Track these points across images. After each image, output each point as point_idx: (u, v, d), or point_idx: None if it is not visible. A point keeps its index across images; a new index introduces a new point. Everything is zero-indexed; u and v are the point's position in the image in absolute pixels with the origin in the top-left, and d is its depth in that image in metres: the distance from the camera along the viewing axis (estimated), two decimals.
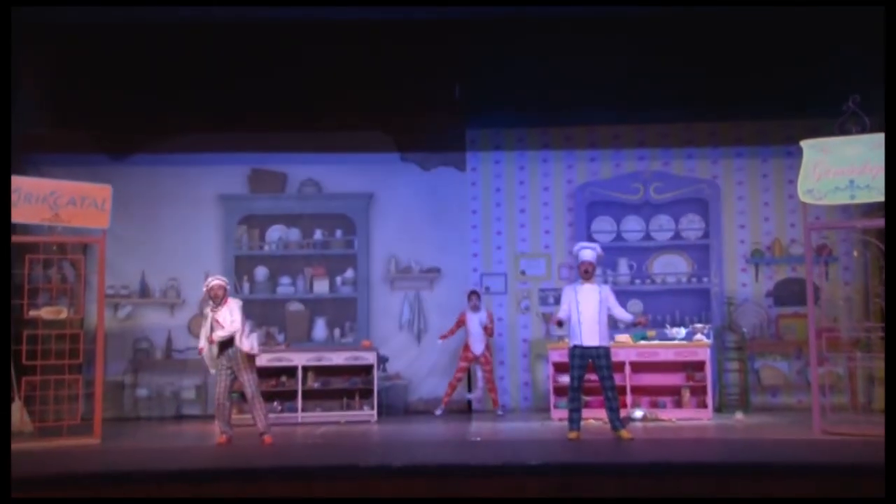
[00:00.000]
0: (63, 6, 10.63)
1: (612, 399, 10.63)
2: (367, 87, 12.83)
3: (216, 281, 10.79)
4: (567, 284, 11.20)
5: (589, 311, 10.63)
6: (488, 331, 13.60)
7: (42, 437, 10.80)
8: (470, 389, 14.16)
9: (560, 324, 10.88)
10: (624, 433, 10.54)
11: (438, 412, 13.60)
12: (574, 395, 10.72)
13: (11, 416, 11.23)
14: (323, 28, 11.50)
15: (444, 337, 13.87)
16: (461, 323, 13.70)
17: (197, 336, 14.05)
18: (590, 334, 10.60)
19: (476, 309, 13.60)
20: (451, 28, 11.42)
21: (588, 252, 10.92)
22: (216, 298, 10.71)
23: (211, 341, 10.62)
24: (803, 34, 11.48)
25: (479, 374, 13.83)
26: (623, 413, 12.26)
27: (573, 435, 10.61)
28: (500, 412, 13.59)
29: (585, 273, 10.83)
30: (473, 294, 13.70)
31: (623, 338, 13.02)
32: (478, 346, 13.56)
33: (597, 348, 10.60)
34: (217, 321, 10.61)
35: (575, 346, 10.69)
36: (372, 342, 13.65)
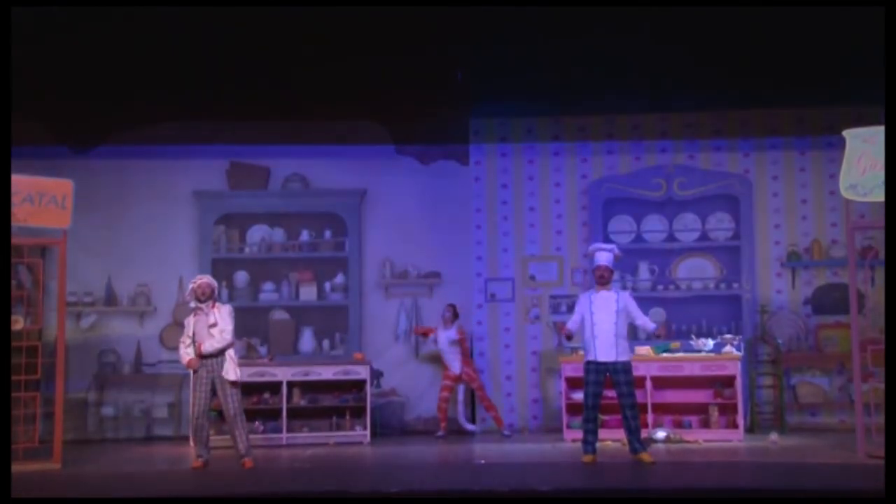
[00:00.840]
0: None
1: (632, 419, 10.55)
2: (358, 70, 12.82)
3: (204, 279, 10.79)
4: (582, 291, 11.10)
5: (605, 323, 10.55)
6: (462, 346, 13.67)
7: None
8: (474, 420, 14.09)
9: (570, 336, 10.80)
10: (645, 456, 10.45)
11: (440, 434, 13.54)
12: (589, 415, 10.64)
13: None
14: (312, 10, 11.44)
15: (418, 331, 14.20)
16: (427, 333, 13.84)
17: (170, 348, 14.11)
18: (605, 348, 10.52)
19: (448, 323, 13.59)
20: (454, 6, 11.35)
21: (603, 254, 10.85)
22: (203, 297, 10.63)
23: (200, 354, 10.54)
24: (846, 12, 11.40)
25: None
26: (644, 434, 12.22)
27: (588, 459, 10.54)
28: (506, 432, 13.55)
29: (601, 278, 10.75)
30: (449, 307, 13.76)
31: (644, 350, 12.98)
32: (455, 365, 13.59)
33: (614, 363, 10.51)
34: (208, 326, 10.56)
35: (589, 362, 10.62)
36: (365, 355, 13.65)
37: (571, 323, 10.79)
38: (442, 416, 13.66)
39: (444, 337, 13.61)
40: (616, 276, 14.40)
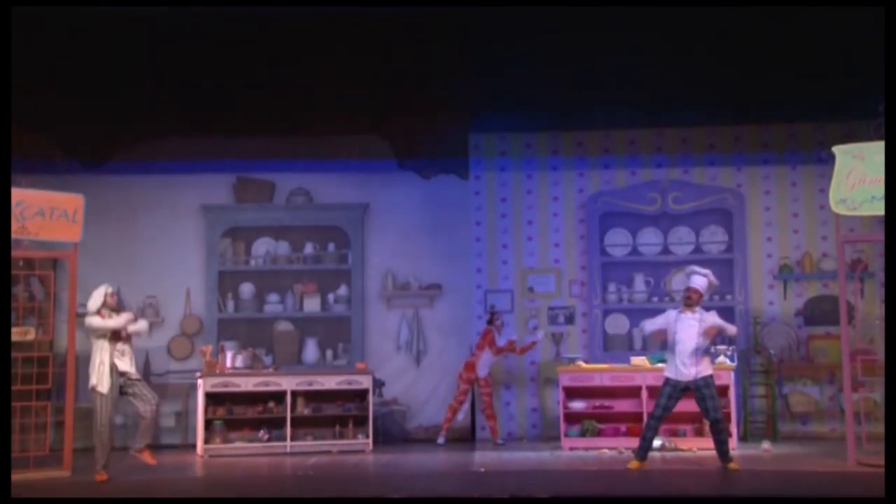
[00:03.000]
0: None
1: (716, 432, 10.58)
2: (361, 87, 12.88)
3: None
4: (671, 309, 11.08)
5: (686, 343, 10.56)
6: (512, 346, 13.68)
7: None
8: (473, 429, 14.11)
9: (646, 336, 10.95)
10: (732, 465, 10.51)
11: (440, 441, 13.56)
12: (651, 424, 10.73)
13: None
14: (314, 23, 11.49)
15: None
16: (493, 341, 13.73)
17: (178, 358, 14.18)
18: (685, 368, 10.55)
19: (500, 331, 13.66)
20: (453, 22, 11.40)
21: (697, 278, 10.79)
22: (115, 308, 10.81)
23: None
24: (836, 29, 11.45)
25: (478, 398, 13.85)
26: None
27: (634, 465, 10.60)
28: (500, 441, 13.53)
29: (688, 300, 10.73)
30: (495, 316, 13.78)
31: (639, 360, 12.98)
32: (483, 369, 13.52)
33: (695, 381, 10.55)
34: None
35: (668, 379, 10.69)
36: (367, 365, 13.61)
37: (650, 323, 10.95)
38: (451, 416, 13.60)
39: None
40: (612, 287, 14.55)
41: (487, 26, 11.55)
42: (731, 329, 10.90)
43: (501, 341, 13.59)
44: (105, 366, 10.46)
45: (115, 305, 10.74)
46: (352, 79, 12.62)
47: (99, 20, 11.10)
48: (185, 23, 11.26)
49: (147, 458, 10.64)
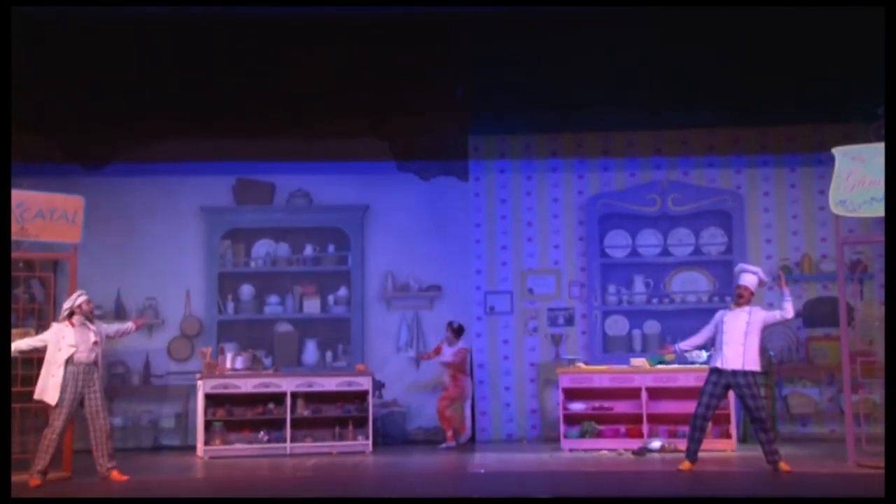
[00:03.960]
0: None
1: (761, 431, 10.45)
2: (361, 88, 12.86)
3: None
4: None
5: (734, 332, 10.47)
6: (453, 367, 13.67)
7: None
8: (473, 434, 14.07)
9: (672, 356, 11.11)
10: (782, 465, 10.36)
11: (445, 444, 13.50)
12: (696, 423, 10.60)
13: None
14: (312, 24, 11.49)
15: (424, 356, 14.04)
16: (437, 352, 13.75)
17: (178, 360, 14.16)
18: (732, 357, 10.42)
19: (452, 344, 13.62)
20: (452, 24, 11.40)
21: (749, 276, 10.73)
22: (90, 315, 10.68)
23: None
24: (835, 31, 11.44)
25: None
26: (639, 443, 12.25)
27: (685, 466, 10.53)
28: (443, 446, 13.43)
29: (739, 297, 10.66)
30: (448, 327, 13.73)
31: (639, 362, 12.97)
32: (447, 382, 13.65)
33: (738, 372, 10.40)
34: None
35: (713, 370, 10.61)
36: (367, 366, 13.58)
37: (688, 342, 10.97)
38: (445, 425, 13.63)
39: (448, 354, 13.64)
40: (612, 289, 14.54)
41: (486, 28, 11.55)
42: (787, 312, 10.64)
43: (446, 355, 13.59)
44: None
45: (90, 313, 10.64)
46: (352, 81, 12.61)
47: (100, 24, 11.10)
48: (184, 25, 11.26)
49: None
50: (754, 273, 10.78)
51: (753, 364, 10.46)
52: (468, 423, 13.94)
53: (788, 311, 10.63)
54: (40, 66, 11.97)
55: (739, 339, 10.47)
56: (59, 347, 10.30)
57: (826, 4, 10.43)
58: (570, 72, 12.51)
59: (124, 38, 11.52)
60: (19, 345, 10.35)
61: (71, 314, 10.44)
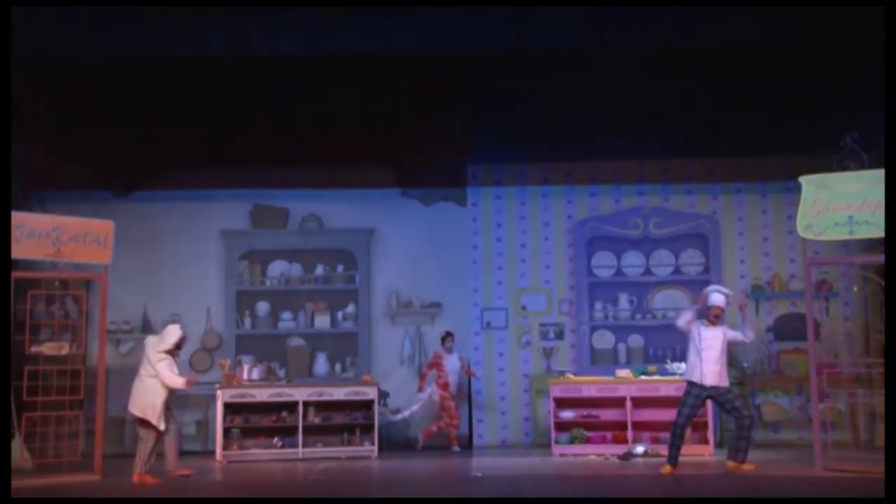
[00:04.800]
0: (64, 43, 10.72)
1: (744, 429, 10.63)
2: (368, 122, 12.95)
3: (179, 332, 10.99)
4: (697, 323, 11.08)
5: (713, 351, 10.67)
6: (468, 372, 13.71)
7: (42, 474, 10.73)
8: (471, 440, 14.03)
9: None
10: (742, 466, 10.58)
11: (455, 449, 13.53)
12: (677, 431, 10.73)
13: (12, 453, 11.20)
14: (324, 64, 11.59)
15: (422, 389, 13.84)
16: (435, 365, 13.66)
17: (199, 371, 14.20)
18: (712, 375, 10.63)
19: (451, 351, 13.64)
20: (452, 64, 11.51)
21: (718, 296, 10.88)
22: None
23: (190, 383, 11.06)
24: (802, 72, 11.58)
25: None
26: (624, 449, 12.28)
27: (667, 469, 10.60)
28: (455, 449, 13.46)
29: (715, 318, 10.82)
30: (449, 335, 13.73)
31: (624, 373, 13.01)
32: (451, 389, 13.58)
33: (717, 387, 10.65)
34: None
35: (693, 384, 10.72)
36: (373, 377, 13.57)
37: (683, 318, 10.95)
38: (453, 431, 13.56)
39: (453, 360, 13.64)
40: (598, 306, 14.59)
41: (484, 68, 11.67)
42: (749, 338, 10.93)
43: (452, 364, 13.60)
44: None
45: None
46: (359, 116, 12.70)
47: (130, 65, 11.25)
48: (207, 66, 11.41)
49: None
50: (725, 294, 10.94)
51: (725, 380, 10.76)
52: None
53: (750, 335, 10.90)
54: (75, 103, 12.10)
55: (717, 357, 10.66)
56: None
57: (824, 4, 10.39)
58: (560, 107, 12.61)
59: (152, 77, 11.67)
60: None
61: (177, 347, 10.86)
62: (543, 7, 10.58)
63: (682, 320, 10.98)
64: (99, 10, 10.46)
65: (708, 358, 10.65)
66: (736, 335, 10.84)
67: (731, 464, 10.64)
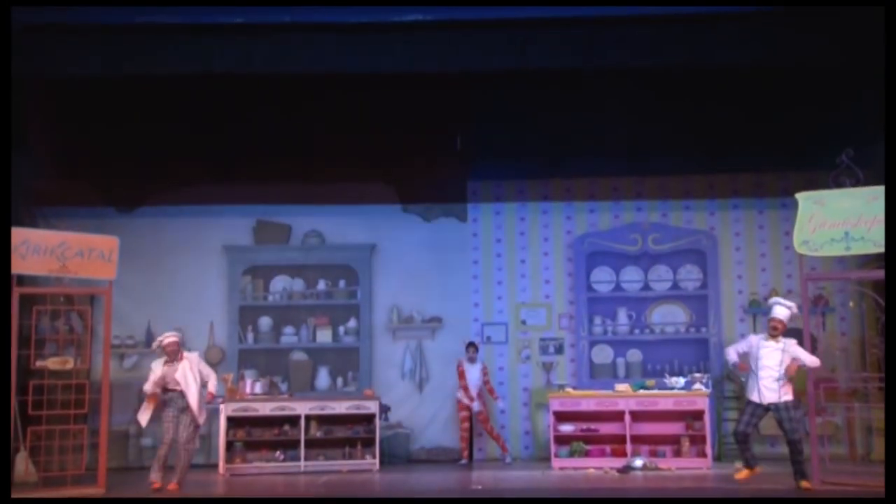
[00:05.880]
0: (70, 62, 10.77)
1: (794, 452, 10.37)
2: (370, 139, 12.98)
3: (171, 338, 10.99)
4: (753, 335, 10.94)
5: (770, 369, 10.38)
6: (490, 390, 13.63)
7: (46, 487, 10.74)
8: (471, 450, 13.93)
9: (732, 364, 10.75)
10: (804, 483, 10.26)
11: (463, 462, 13.51)
12: (739, 438, 10.57)
13: (16, 467, 11.21)
14: (325, 82, 11.64)
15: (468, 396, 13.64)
16: (458, 374, 13.61)
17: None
18: (769, 392, 10.38)
19: (473, 361, 13.57)
20: (452, 82, 11.56)
21: (781, 309, 10.58)
22: (171, 355, 10.94)
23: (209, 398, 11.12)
24: (799, 89, 11.63)
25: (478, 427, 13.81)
26: (623, 462, 12.26)
27: (744, 474, 10.55)
28: (508, 460, 13.47)
29: (773, 329, 10.51)
30: (472, 346, 13.68)
31: (623, 387, 13.00)
32: (476, 404, 13.47)
33: (776, 404, 10.38)
34: (175, 379, 10.87)
35: (750, 402, 10.52)
36: (374, 391, 13.58)
37: (734, 351, 10.65)
38: (464, 444, 13.58)
39: (474, 370, 13.55)
40: (597, 320, 14.59)
41: (484, 87, 11.72)
42: (813, 362, 10.49)
43: (470, 372, 13.52)
44: None
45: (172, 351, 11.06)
46: (361, 133, 12.75)
47: (133, 83, 11.30)
48: (209, 84, 11.45)
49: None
50: (788, 308, 10.62)
51: (788, 395, 10.42)
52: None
53: (815, 361, 10.48)
54: (80, 121, 12.15)
55: (774, 375, 10.37)
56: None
57: (824, 4, 10.40)
58: (559, 124, 12.68)
59: (156, 95, 11.71)
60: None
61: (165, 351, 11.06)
62: (543, 28, 10.64)
63: (730, 358, 10.73)
64: (104, 29, 10.52)
65: (766, 376, 10.39)
66: (803, 357, 10.40)
67: (804, 484, 10.30)
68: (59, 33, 10.49)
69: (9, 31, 10.02)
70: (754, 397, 10.46)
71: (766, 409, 10.45)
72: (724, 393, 13.94)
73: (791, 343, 10.47)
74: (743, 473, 10.56)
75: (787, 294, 14.26)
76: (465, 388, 13.54)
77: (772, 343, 10.47)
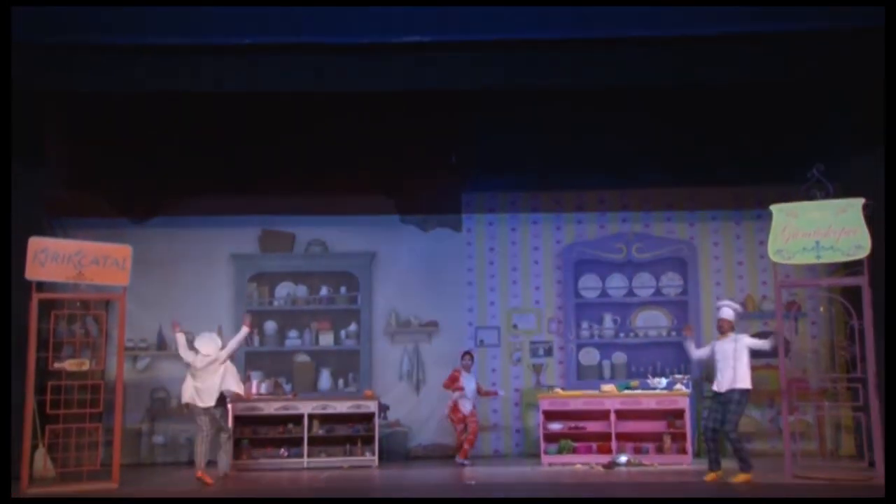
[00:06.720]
0: (85, 77, 10.85)
1: (714, 441, 10.68)
2: (370, 153, 13.04)
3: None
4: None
5: (724, 360, 10.75)
6: (483, 392, 13.53)
7: (63, 483, 10.84)
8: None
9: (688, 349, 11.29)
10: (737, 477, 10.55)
11: (459, 461, 13.40)
12: (708, 435, 10.81)
13: (35, 463, 11.28)
14: (329, 100, 11.72)
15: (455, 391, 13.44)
16: (456, 379, 13.44)
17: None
18: (725, 380, 10.69)
19: (468, 369, 13.52)
20: (449, 99, 11.63)
21: (726, 310, 11.06)
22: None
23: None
24: (774, 108, 11.76)
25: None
26: (608, 458, 12.34)
27: (711, 476, 10.71)
28: (466, 462, 13.02)
29: (720, 329, 10.99)
30: (468, 354, 13.56)
31: (608, 387, 13.08)
32: (468, 406, 13.27)
33: (731, 391, 10.65)
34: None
35: (713, 393, 10.90)
36: (374, 392, 13.61)
37: (699, 352, 11.23)
38: (462, 445, 13.37)
39: (470, 379, 13.29)
40: (585, 325, 14.67)
41: (478, 104, 11.79)
42: (760, 345, 10.83)
43: (466, 381, 13.27)
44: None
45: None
46: (362, 147, 12.81)
47: (145, 99, 11.38)
48: (218, 100, 11.52)
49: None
50: (733, 308, 11.11)
51: (743, 382, 10.67)
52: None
53: (763, 343, 10.82)
54: (96, 135, 12.23)
55: (729, 364, 10.69)
56: None
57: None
58: (549, 140, 12.74)
59: (168, 111, 11.79)
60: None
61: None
62: (534, 49, 10.74)
63: (691, 353, 11.28)
64: (118, 45, 10.58)
65: (722, 367, 10.75)
66: (754, 343, 10.82)
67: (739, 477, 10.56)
68: (78, 52, 10.55)
69: (9, 31, 10.00)
70: (714, 387, 10.83)
71: (722, 402, 10.70)
72: (703, 393, 13.90)
73: (742, 336, 10.94)
74: (740, 477, 10.58)
75: (763, 300, 14.46)
76: (456, 403, 13.19)
77: (724, 340, 10.87)
